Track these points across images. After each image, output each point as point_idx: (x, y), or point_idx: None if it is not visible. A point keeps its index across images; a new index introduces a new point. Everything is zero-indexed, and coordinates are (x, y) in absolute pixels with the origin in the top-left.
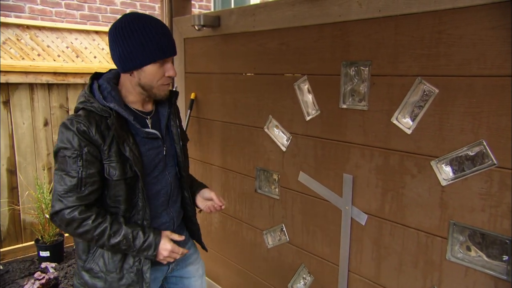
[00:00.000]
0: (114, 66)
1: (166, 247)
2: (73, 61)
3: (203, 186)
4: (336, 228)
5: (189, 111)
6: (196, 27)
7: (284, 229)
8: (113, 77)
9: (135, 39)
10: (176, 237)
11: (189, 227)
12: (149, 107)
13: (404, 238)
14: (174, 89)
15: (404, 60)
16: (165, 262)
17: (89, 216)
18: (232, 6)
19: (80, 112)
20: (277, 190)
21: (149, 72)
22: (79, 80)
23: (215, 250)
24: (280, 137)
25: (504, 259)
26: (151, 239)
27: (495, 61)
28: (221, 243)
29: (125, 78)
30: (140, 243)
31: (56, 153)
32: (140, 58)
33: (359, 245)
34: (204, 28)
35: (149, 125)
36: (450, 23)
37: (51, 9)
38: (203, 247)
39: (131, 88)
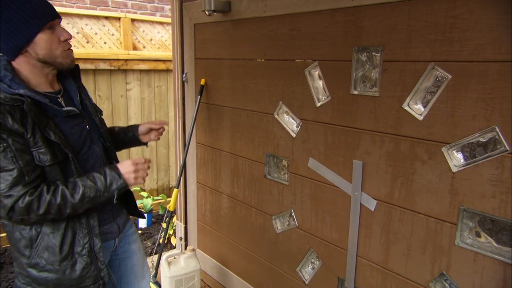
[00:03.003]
0: (127, 51)
1: (127, 166)
2: (83, 46)
3: (134, 126)
4: (345, 214)
5: (199, 97)
6: (207, 12)
7: (293, 214)
8: (8, 64)
9: (11, 14)
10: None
11: (125, 198)
12: (56, 86)
13: (413, 223)
14: (184, 76)
15: (417, 45)
16: (140, 181)
17: (41, 191)
18: None
19: None
20: (286, 176)
21: (43, 42)
22: (89, 66)
23: (224, 234)
24: (290, 123)
25: None
26: (109, 172)
27: (510, 46)
28: (230, 228)
29: (20, 62)
30: (103, 182)
31: None
32: (25, 30)
33: (368, 230)
34: (215, 13)
35: (63, 104)
36: (465, 7)
37: None
38: (140, 216)
39: (31, 69)
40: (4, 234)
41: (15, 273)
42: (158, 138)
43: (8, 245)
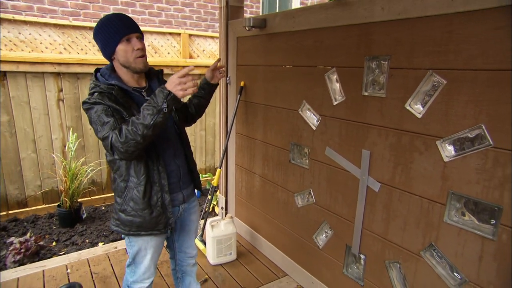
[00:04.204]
0: (185, 59)
1: (171, 81)
2: (152, 56)
3: (202, 81)
4: (354, 193)
5: (239, 96)
6: (247, 28)
7: (312, 192)
8: (110, 67)
9: (103, 32)
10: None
11: (192, 176)
12: (143, 83)
13: (410, 203)
14: (227, 79)
15: (418, 55)
16: (188, 91)
17: (121, 127)
18: (277, 11)
19: (94, 94)
20: (307, 161)
21: (121, 51)
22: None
23: (256, 206)
24: (312, 118)
25: (492, 222)
26: (157, 90)
27: (497, 57)
28: (261, 201)
29: (115, 65)
30: (153, 99)
31: (91, 121)
32: (110, 43)
33: (372, 207)
34: (253, 28)
35: (145, 96)
36: (459, 24)
37: (138, 16)
38: (200, 189)
39: (121, 70)
40: (96, 196)
41: (111, 218)
42: (223, 75)
43: (98, 205)
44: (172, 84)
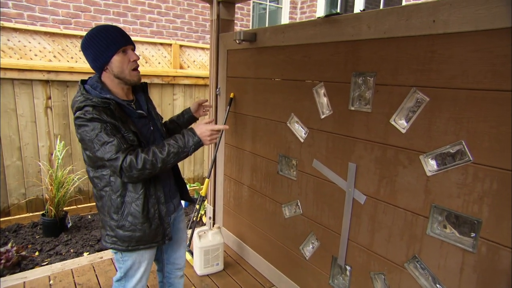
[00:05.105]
0: (175, 69)
1: (204, 130)
2: (143, 66)
3: (186, 109)
4: (340, 205)
5: (228, 107)
6: (237, 41)
7: (299, 204)
8: (98, 79)
9: (98, 41)
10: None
11: (178, 184)
12: (130, 96)
13: (394, 215)
14: (217, 90)
15: (402, 73)
16: (212, 142)
17: (137, 151)
18: (267, 25)
19: (87, 109)
20: (294, 172)
21: (117, 62)
22: (146, 80)
23: (244, 217)
24: (299, 130)
25: (472, 235)
26: (186, 132)
27: (476, 77)
28: (249, 212)
29: (104, 77)
30: (182, 140)
31: (85, 138)
32: (105, 53)
33: (358, 219)
34: (243, 42)
35: (135, 109)
36: (442, 45)
37: (130, 26)
38: (190, 200)
39: (112, 83)
40: (82, 205)
41: (101, 236)
42: (206, 113)
43: (84, 213)
44: (204, 134)
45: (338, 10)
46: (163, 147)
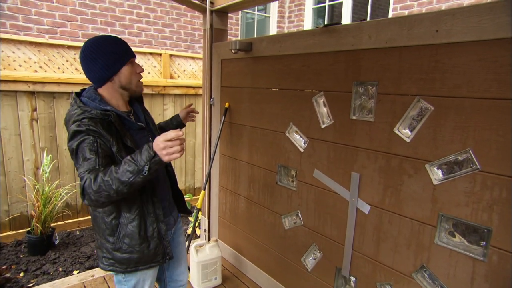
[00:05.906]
0: (165, 79)
1: (156, 144)
2: None
3: (175, 115)
4: (343, 216)
5: (223, 117)
6: (233, 51)
7: (300, 214)
8: (95, 91)
9: (110, 50)
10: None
11: (175, 196)
12: (128, 107)
13: (400, 225)
14: (211, 100)
15: (405, 82)
16: (173, 156)
17: (97, 173)
18: (255, 35)
19: (84, 120)
20: (294, 183)
21: (127, 72)
22: None
23: (241, 228)
24: (299, 140)
25: (481, 244)
26: (143, 148)
27: (481, 86)
28: (246, 223)
29: (106, 88)
30: (138, 156)
31: (73, 151)
32: (117, 62)
33: (362, 229)
34: (239, 51)
35: (134, 120)
36: (445, 54)
37: (118, 36)
38: (188, 212)
39: (113, 94)
40: (70, 220)
41: (97, 257)
42: (193, 120)
43: (73, 229)
44: (158, 147)
45: (326, 21)
46: (119, 165)
